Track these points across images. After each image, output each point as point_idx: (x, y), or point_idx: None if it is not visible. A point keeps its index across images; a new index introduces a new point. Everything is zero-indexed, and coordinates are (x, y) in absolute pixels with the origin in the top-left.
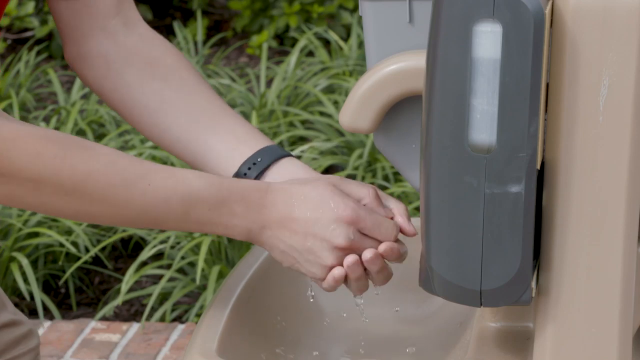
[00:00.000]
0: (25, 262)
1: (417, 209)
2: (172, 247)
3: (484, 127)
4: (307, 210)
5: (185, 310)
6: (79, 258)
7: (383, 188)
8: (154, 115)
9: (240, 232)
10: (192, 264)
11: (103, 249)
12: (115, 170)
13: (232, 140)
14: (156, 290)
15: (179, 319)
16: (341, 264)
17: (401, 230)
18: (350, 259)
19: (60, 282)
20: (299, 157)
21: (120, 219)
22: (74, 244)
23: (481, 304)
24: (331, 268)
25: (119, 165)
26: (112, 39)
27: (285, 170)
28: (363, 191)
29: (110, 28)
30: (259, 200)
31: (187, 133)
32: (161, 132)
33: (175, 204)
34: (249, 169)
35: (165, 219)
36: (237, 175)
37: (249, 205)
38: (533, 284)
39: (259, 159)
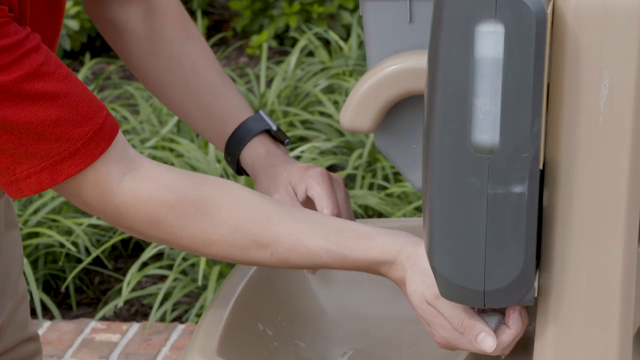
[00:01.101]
0: (25, 262)
1: (417, 209)
2: (172, 248)
3: (486, 128)
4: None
5: (185, 310)
6: (79, 258)
7: (383, 188)
8: (154, 85)
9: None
10: (193, 265)
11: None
12: (234, 241)
13: (235, 108)
14: (161, 291)
15: (179, 319)
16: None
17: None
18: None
19: (63, 287)
20: (299, 157)
21: (257, 262)
22: (74, 244)
23: (484, 305)
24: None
25: (239, 236)
26: (123, 6)
27: (267, 147)
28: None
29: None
30: (386, 273)
31: (183, 102)
32: (165, 100)
33: (324, 257)
34: (241, 135)
35: (298, 265)
36: (230, 140)
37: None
38: (535, 284)
39: (250, 125)
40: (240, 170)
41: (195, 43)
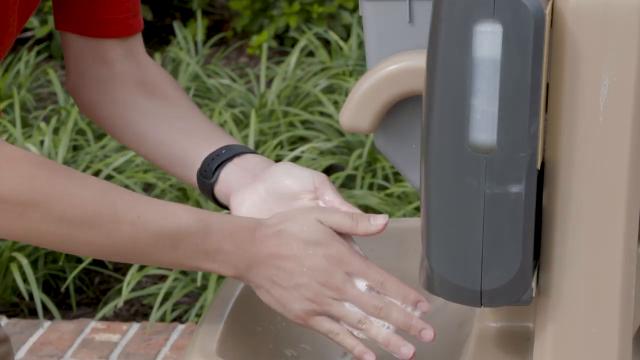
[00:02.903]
0: (25, 262)
1: (417, 209)
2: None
3: (484, 127)
4: (296, 249)
5: (185, 310)
6: (79, 258)
7: (383, 188)
8: (135, 126)
9: (227, 269)
10: None
11: None
12: (105, 200)
13: (202, 141)
14: (161, 291)
15: (179, 319)
16: (323, 303)
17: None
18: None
19: (63, 287)
20: (298, 158)
21: (106, 251)
22: None
23: (481, 304)
24: (314, 308)
25: (109, 195)
26: (110, 67)
27: (246, 162)
28: (347, 222)
29: (110, 58)
30: (248, 238)
31: (162, 138)
32: (140, 141)
33: (163, 237)
34: (212, 159)
35: (153, 251)
36: (201, 168)
37: (238, 243)
38: (533, 284)
39: (222, 151)
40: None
41: (180, 92)
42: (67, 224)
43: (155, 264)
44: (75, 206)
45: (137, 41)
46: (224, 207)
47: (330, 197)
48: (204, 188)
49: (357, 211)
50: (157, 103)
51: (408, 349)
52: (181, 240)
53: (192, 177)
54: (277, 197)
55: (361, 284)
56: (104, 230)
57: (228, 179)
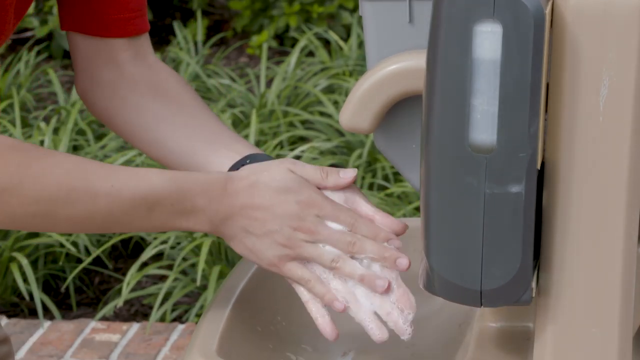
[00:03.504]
0: (25, 262)
1: (417, 209)
2: (172, 248)
3: (484, 127)
4: (268, 197)
5: (185, 310)
6: (79, 258)
7: (383, 188)
8: (152, 132)
9: (202, 223)
10: (193, 265)
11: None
12: (77, 174)
13: (224, 150)
14: (161, 291)
15: (179, 319)
16: (296, 246)
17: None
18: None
19: (63, 287)
20: (298, 157)
21: (87, 224)
22: (74, 244)
23: (481, 304)
24: (287, 252)
25: (81, 169)
26: (120, 70)
27: None
28: (317, 174)
29: (120, 60)
30: (220, 191)
31: (182, 147)
32: (159, 148)
33: (139, 202)
34: (237, 169)
35: (131, 218)
36: None
37: (211, 197)
38: (533, 284)
39: (247, 161)
40: None
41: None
42: (44, 204)
43: (134, 230)
44: (50, 185)
45: (145, 42)
46: None
47: (364, 206)
48: None
49: (392, 220)
50: (172, 109)
51: (383, 282)
52: (156, 203)
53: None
54: None
55: (334, 226)
56: (81, 204)
57: None
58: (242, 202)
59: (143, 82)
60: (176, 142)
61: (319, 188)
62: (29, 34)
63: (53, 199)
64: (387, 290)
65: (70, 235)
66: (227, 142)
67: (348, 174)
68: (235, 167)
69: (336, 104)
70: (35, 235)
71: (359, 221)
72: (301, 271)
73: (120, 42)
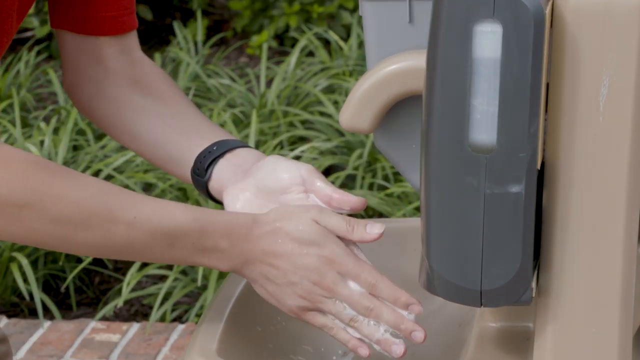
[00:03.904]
0: (25, 262)
1: (417, 209)
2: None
3: (484, 127)
4: (291, 247)
5: (185, 310)
6: (79, 258)
7: (383, 188)
8: (129, 125)
9: (223, 264)
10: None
11: None
12: (101, 200)
13: (195, 139)
14: (161, 291)
15: (179, 319)
16: (316, 301)
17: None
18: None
19: (63, 287)
20: (298, 157)
21: (104, 250)
22: None
23: (481, 304)
24: (306, 305)
25: (105, 195)
26: (104, 65)
27: (236, 158)
28: (343, 226)
29: (104, 56)
30: (244, 234)
31: (157, 138)
32: (135, 140)
33: (160, 237)
34: (204, 157)
35: (150, 251)
36: (194, 166)
37: (233, 240)
38: (533, 284)
39: (214, 148)
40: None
41: (175, 89)
42: (63, 225)
43: (151, 261)
44: (71, 207)
45: (132, 39)
46: (221, 203)
47: (320, 185)
48: (199, 186)
49: (350, 197)
50: (150, 101)
51: (399, 347)
52: (177, 239)
53: (188, 175)
54: (267, 192)
55: (355, 285)
56: (100, 230)
57: (220, 176)
58: (263, 248)
59: (124, 76)
60: (151, 133)
61: (343, 239)
62: (29, 34)
63: (72, 221)
64: (404, 354)
65: None
66: (199, 132)
67: (375, 230)
68: (202, 155)
69: (336, 104)
70: None
71: (380, 282)
72: (323, 319)
73: (106, 39)
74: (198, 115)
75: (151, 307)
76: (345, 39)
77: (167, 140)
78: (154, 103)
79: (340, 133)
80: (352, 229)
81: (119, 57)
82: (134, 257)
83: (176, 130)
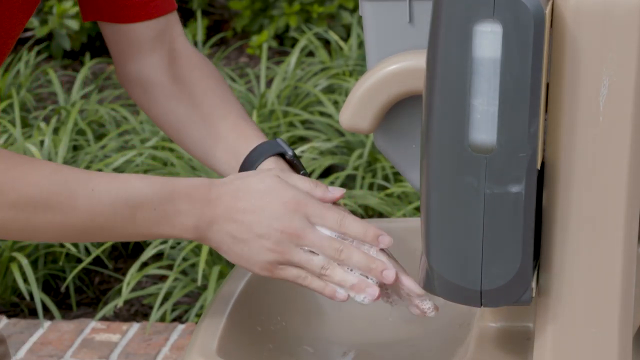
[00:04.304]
0: (25, 262)
1: (417, 209)
2: (173, 248)
3: (484, 127)
4: (253, 200)
5: (185, 310)
6: (79, 258)
7: (383, 188)
8: (175, 134)
9: (187, 229)
10: (193, 265)
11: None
12: (57, 179)
13: (215, 149)
14: (161, 291)
15: (179, 319)
16: (285, 252)
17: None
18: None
19: (63, 287)
20: (299, 157)
21: (67, 231)
22: (74, 244)
23: (481, 304)
24: (276, 258)
25: (61, 174)
26: (143, 55)
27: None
28: (306, 184)
29: (142, 45)
30: (204, 195)
31: (198, 151)
32: (185, 148)
33: (120, 206)
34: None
35: (112, 224)
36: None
37: (194, 201)
38: (533, 283)
39: (232, 162)
40: None
41: (212, 81)
42: (23, 208)
43: (116, 238)
44: (30, 189)
45: (170, 24)
46: None
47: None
48: None
49: (322, 186)
50: (190, 113)
51: (373, 290)
52: (138, 207)
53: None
54: None
55: (324, 230)
56: (61, 208)
57: None
58: (226, 205)
59: (163, 71)
60: (186, 144)
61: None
62: (29, 34)
63: (32, 202)
64: (378, 297)
65: None
66: (221, 140)
67: (336, 192)
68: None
69: (336, 104)
70: None
71: (346, 218)
72: (295, 271)
73: (142, 27)
74: (222, 121)
75: (151, 307)
76: (345, 39)
77: (196, 149)
78: (193, 116)
79: (340, 133)
80: (314, 185)
81: (156, 46)
82: (97, 235)
83: (202, 141)
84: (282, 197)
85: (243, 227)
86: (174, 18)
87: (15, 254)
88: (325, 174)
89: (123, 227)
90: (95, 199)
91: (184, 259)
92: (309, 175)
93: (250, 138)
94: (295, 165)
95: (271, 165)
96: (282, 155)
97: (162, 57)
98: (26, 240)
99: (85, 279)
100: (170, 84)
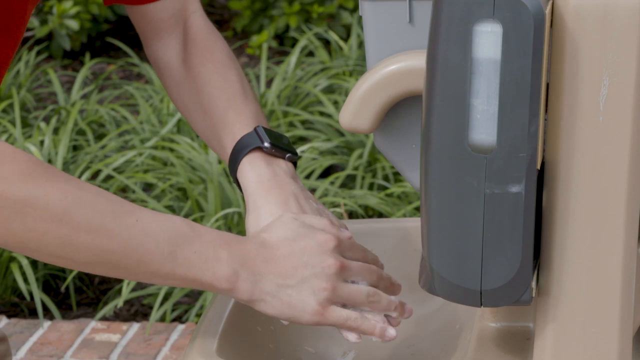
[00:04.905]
0: (25, 262)
1: (417, 209)
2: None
3: (484, 127)
4: (290, 246)
5: (185, 310)
6: None
7: (383, 188)
8: (185, 112)
9: (227, 276)
10: None
11: None
12: (104, 200)
13: (220, 134)
14: (161, 291)
15: (179, 319)
16: (335, 287)
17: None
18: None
19: (63, 287)
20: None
21: (105, 255)
22: None
23: (481, 304)
24: (327, 296)
25: (107, 197)
26: (165, 42)
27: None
28: (322, 223)
29: (163, 30)
30: (241, 246)
31: (203, 129)
32: (194, 128)
33: (162, 241)
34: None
35: (151, 257)
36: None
37: (232, 250)
38: (533, 283)
39: (234, 149)
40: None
41: (212, 65)
42: (66, 224)
43: (151, 278)
44: (75, 205)
45: (184, 2)
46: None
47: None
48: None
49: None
50: (188, 93)
51: (409, 307)
52: (179, 245)
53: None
54: None
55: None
56: (102, 230)
57: (244, 186)
58: (264, 257)
59: (177, 64)
60: (199, 132)
61: None
62: (29, 34)
63: (75, 220)
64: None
65: None
66: (223, 126)
67: (346, 233)
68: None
69: (336, 104)
70: None
71: (366, 250)
72: (345, 313)
73: (159, 7)
74: (214, 111)
75: (151, 307)
76: (345, 39)
77: (201, 134)
78: (190, 94)
79: (340, 133)
80: (329, 223)
81: (173, 27)
82: (133, 269)
83: (203, 129)
84: (314, 239)
85: (287, 273)
86: None
87: (16, 254)
88: (325, 174)
89: (161, 263)
90: (138, 228)
91: None
92: (297, 155)
93: (235, 131)
94: (274, 154)
95: (255, 160)
96: (260, 148)
97: (178, 38)
98: (63, 264)
99: (85, 279)
100: (179, 69)
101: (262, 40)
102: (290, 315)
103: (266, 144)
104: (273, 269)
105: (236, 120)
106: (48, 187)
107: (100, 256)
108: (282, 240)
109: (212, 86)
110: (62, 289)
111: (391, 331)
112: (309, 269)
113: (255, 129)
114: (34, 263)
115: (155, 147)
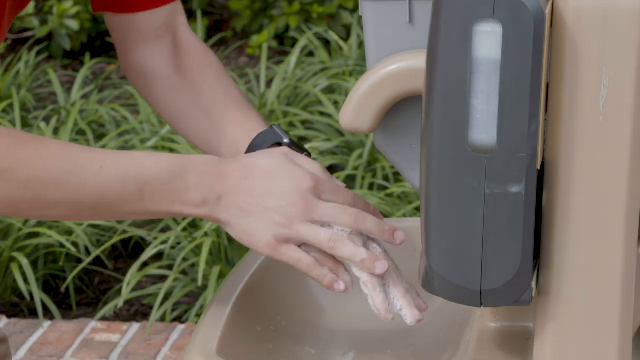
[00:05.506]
0: (25, 262)
1: (417, 209)
2: (173, 248)
3: (484, 127)
4: (263, 175)
5: (185, 310)
6: (79, 258)
7: (383, 188)
8: (177, 125)
9: (196, 204)
10: (193, 265)
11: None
12: (66, 156)
13: (217, 140)
14: (161, 291)
15: (179, 319)
16: (293, 224)
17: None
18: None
19: (63, 287)
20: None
21: (76, 208)
22: (74, 244)
23: (481, 304)
24: (283, 232)
25: (69, 151)
26: (151, 50)
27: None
28: (313, 166)
29: (151, 39)
30: (213, 169)
31: (198, 141)
32: (188, 135)
33: (129, 182)
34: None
35: (121, 201)
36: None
37: (203, 175)
38: (533, 283)
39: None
40: None
41: (212, 72)
42: (33, 188)
43: (127, 216)
44: (39, 168)
45: (174, 13)
46: None
47: None
48: None
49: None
50: (191, 104)
51: (382, 265)
52: (146, 182)
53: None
54: None
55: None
56: (70, 186)
57: None
58: (235, 179)
59: (168, 63)
60: (195, 138)
61: None
62: (29, 34)
63: (42, 181)
64: (385, 274)
65: (70, 234)
66: (219, 131)
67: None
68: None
69: (336, 104)
70: (35, 235)
71: (356, 198)
72: (298, 254)
73: (148, 16)
74: (221, 112)
75: (151, 307)
76: (345, 39)
77: (198, 140)
78: (187, 99)
79: (340, 133)
80: (321, 169)
81: (161, 35)
82: (107, 212)
83: (204, 133)
84: (293, 174)
85: (252, 199)
86: (178, 7)
87: (15, 254)
88: None
89: (132, 203)
90: (103, 175)
91: (184, 259)
92: (311, 156)
93: (250, 129)
94: (294, 150)
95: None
96: (279, 144)
97: (166, 46)
98: (38, 218)
99: (85, 279)
100: (172, 75)
101: (262, 40)
102: (247, 243)
103: (286, 140)
104: (241, 193)
105: (247, 120)
106: (10, 157)
107: (73, 208)
108: (262, 168)
109: (216, 90)
110: (62, 289)
111: (341, 284)
112: (274, 201)
113: (271, 126)
114: (34, 263)
115: (155, 147)
